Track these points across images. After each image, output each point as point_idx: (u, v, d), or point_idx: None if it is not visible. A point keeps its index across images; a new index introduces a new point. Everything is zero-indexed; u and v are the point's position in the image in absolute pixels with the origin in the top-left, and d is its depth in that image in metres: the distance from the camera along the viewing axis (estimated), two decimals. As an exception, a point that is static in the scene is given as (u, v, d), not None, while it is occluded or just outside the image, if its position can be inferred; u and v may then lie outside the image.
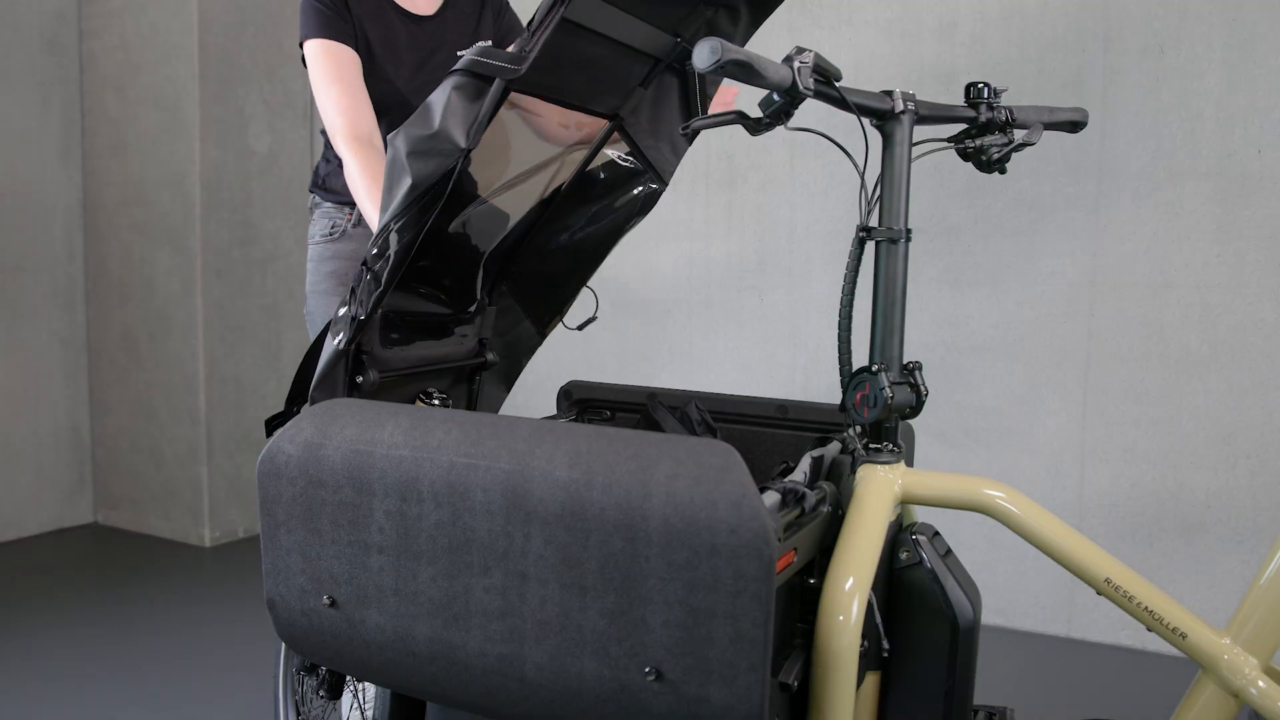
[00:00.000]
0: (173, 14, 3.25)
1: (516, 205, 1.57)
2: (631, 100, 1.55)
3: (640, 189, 1.66)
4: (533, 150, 1.57)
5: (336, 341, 1.22)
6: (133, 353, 3.47)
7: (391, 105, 1.79)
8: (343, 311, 1.23)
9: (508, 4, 1.86)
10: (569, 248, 1.65)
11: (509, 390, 1.70)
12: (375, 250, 1.19)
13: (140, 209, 3.40)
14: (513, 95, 1.34)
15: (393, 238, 1.18)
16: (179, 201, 3.30)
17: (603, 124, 1.58)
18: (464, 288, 1.54)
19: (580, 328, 1.67)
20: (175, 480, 3.42)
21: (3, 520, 3.36)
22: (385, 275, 1.19)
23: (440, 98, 1.19)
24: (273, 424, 1.37)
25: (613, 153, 1.63)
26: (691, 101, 1.59)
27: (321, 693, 1.64)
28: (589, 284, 1.71)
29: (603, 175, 1.66)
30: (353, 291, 1.22)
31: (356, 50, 1.69)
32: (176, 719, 2.10)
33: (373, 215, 1.45)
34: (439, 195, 1.19)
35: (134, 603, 2.79)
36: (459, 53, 1.78)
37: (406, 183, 1.16)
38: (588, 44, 1.35)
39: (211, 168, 3.29)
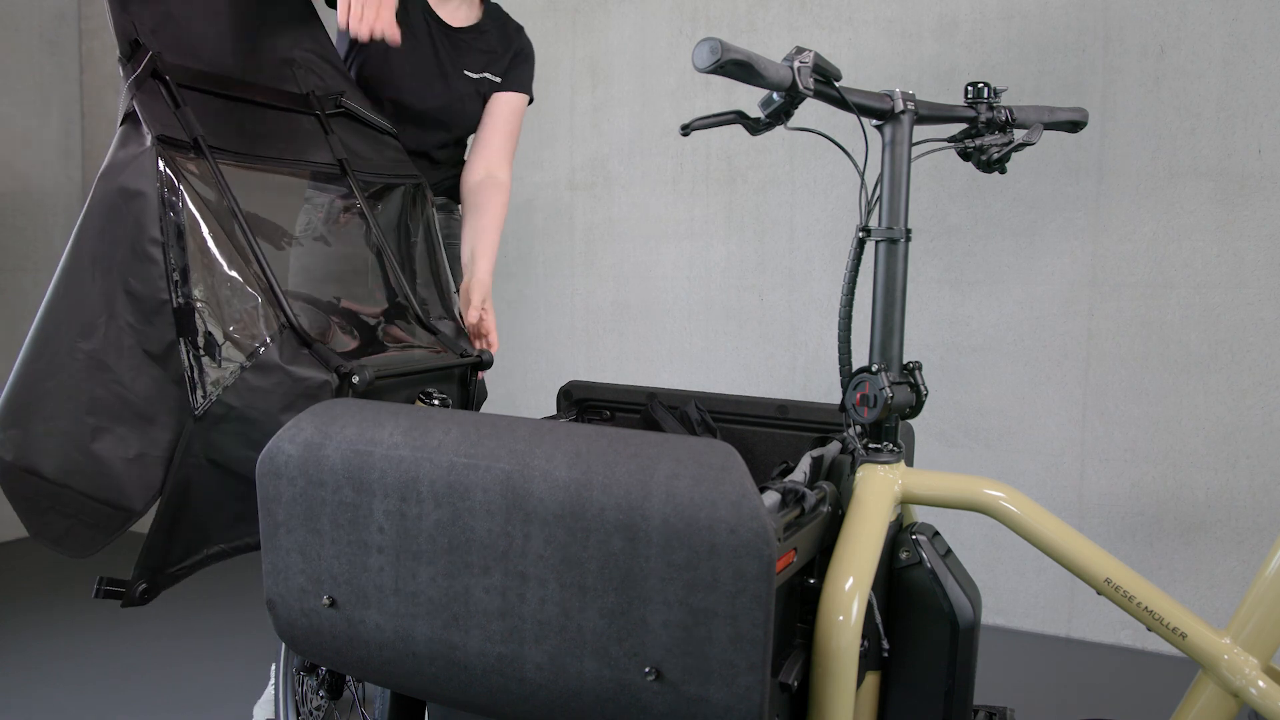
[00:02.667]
0: (173, 14, 3.25)
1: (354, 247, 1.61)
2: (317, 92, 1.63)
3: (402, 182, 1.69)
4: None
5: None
6: (133, 353, 3.46)
7: (407, 116, 1.82)
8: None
9: (529, 58, 1.91)
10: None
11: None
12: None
13: (140, 209, 3.40)
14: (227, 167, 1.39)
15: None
16: (179, 201, 3.30)
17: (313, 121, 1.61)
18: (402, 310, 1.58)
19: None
20: (175, 480, 3.42)
21: (3, 520, 3.35)
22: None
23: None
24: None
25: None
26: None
27: (321, 693, 1.64)
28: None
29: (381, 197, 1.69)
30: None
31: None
32: (176, 719, 2.10)
33: None
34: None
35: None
36: (466, 73, 1.82)
37: None
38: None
39: (211, 168, 3.28)
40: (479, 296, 1.68)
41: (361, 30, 1.45)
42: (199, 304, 1.29)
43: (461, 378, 1.57)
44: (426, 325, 1.60)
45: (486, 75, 1.84)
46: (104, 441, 1.29)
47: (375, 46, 1.76)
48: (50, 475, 1.26)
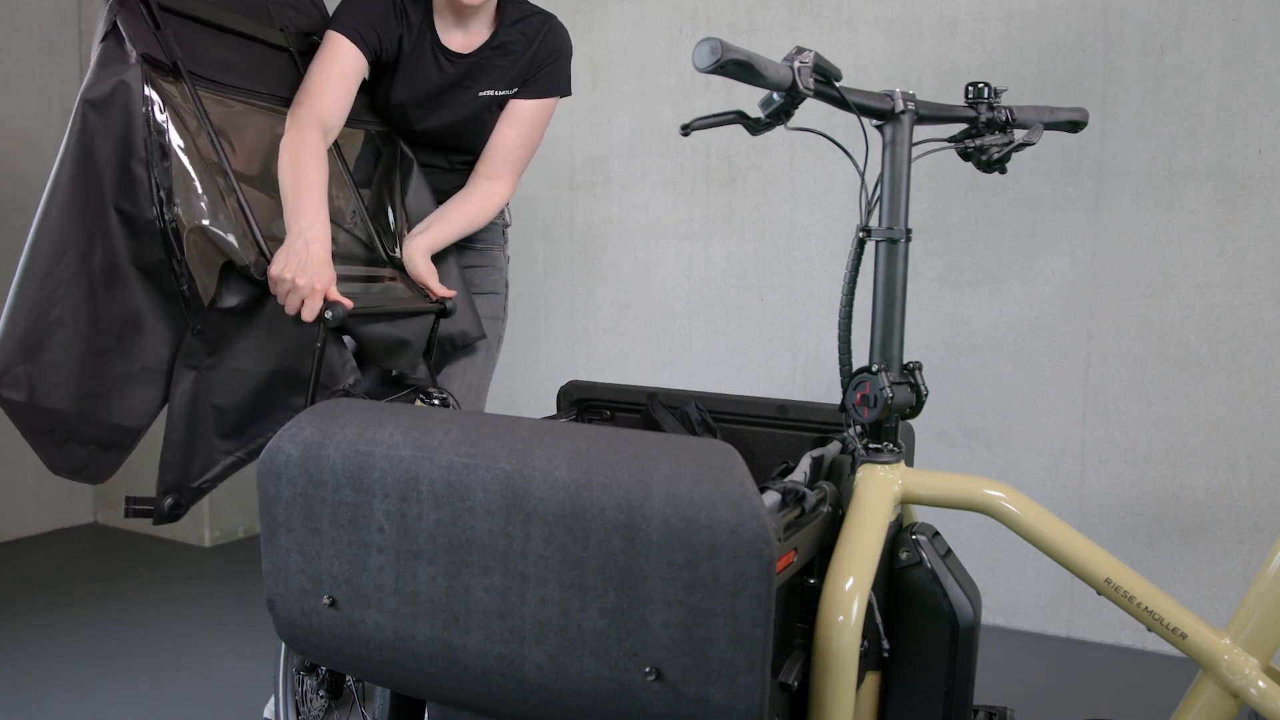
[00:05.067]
0: (173, 14, 3.25)
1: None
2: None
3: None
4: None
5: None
6: (133, 353, 3.46)
7: (405, 135, 1.82)
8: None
9: (557, 61, 1.79)
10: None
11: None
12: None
13: (140, 209, 3.40)
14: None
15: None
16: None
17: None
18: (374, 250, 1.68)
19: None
20: (175, 480, 3.42)
21: (3, 520, 3.36)
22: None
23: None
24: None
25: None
26: None
27: (321, 693, 1.64)
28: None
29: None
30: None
31: (375, 63, 1.71)
32: (176, 719, 2.10)
33: (285, 198, 1.46)
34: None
35: (134, 603, 2.79)
36: (481, 94, 1.77)
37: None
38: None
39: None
40: (417, 261, 1.68)
41: (289, 310, 1.39)
42: (181, 227, 1.33)
43: (429, 325, 1.64)
44: (393, 260, 1.67)
45: (497, 93, 1.78)
46: (110, 360, 1.32)
47: (382, 80, 1.77)
48: (65, 406, 1.27)
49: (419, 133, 1.80)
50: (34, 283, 1.26)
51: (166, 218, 1.32)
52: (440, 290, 1.66)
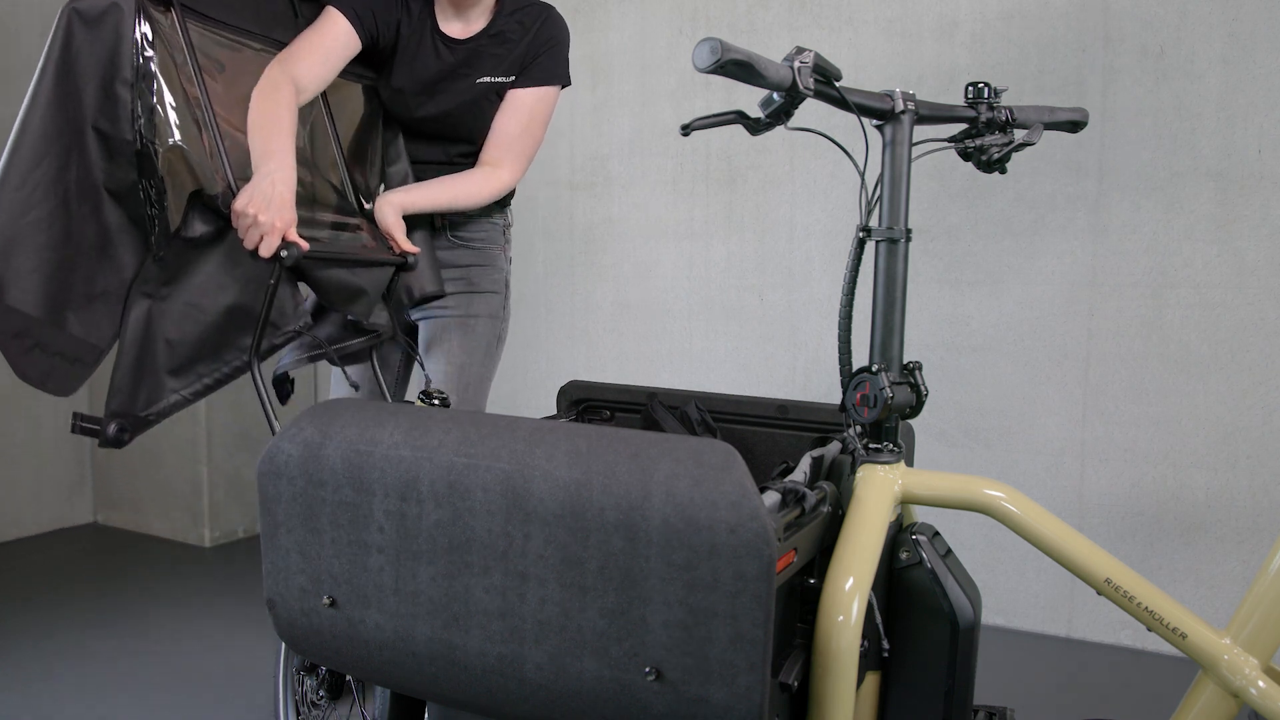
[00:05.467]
0: (173, 14, 3.26)
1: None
2: None
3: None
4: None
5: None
6: (133, 353, 3.47)
7: (404, 123, 1.83)
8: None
9: (553, 48, 1.81)
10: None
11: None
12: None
13: (140, 209, 3.40)
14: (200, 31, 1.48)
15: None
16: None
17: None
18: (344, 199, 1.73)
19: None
20: (175, 480, 3.42)
21: (3, 520, 3.36)
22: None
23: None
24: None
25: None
26: None
27: (321, 693, 1.64)
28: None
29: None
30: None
31: (372, 45, 1.74)
32: (176, 719, 2.10)
33: (253, 139, 1.49)
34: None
35: (134, 603, 2.79)
36: (479, 80, 1.78)
37: None
38: None
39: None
40: (387, 214, 1.71)
41: (248, 245, 1.41)
42: (158, 150, 1.36)
43: (388, 276, 1.68)
44: (364, 212, 1.72)
45: (496, 79, 1.80)
46: (78, 274, 1.35)
47: (383, 69, 1.79)
48: (33, 311, 1.30)
49: (418, 119, 1.81)
50: (12, 183, 1.28)
51: (145, 137, 1.35)
52: (404, 245, 1.69)
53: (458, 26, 1.78)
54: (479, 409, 1.87)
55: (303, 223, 1.52)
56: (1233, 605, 2.42)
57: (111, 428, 1.38)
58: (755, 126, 1.21)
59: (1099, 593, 1.13)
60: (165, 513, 3.46)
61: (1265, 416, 2.36)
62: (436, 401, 1.53)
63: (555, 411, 1.65)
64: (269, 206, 1.39)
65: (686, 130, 1.24)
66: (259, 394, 1.42)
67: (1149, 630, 1.14)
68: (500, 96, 1.81)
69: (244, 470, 3.48)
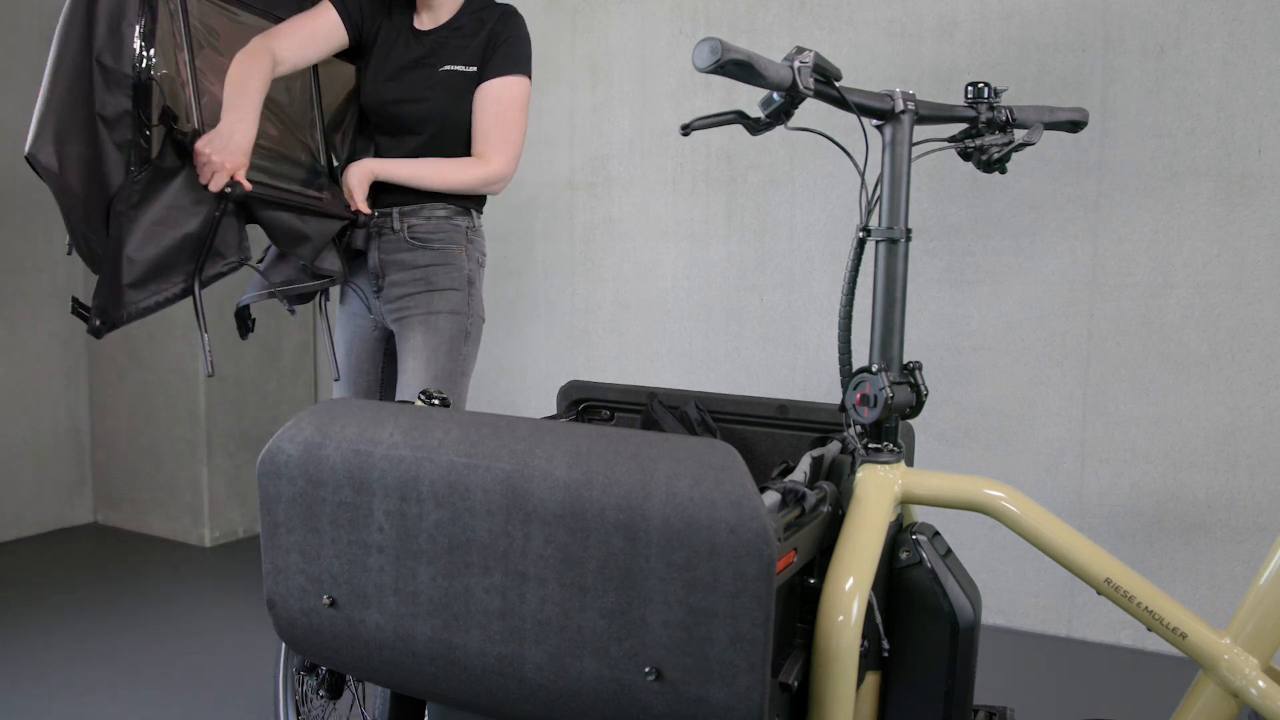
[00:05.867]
0: (173, 14, 3.26)
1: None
2: None
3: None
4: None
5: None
6: (133, 353, 3.47)
7: (373, 111, 1.96)
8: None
9: (510, 39, 1.92)
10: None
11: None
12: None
13: (140, 209, 3.41)
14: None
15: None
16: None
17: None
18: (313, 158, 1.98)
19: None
20: (175, 480, 3.42)
21: (3, 520, 3.36)
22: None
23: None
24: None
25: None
26: None
27: (321, 693, 1.64)
28: None
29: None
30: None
31: (356, 38, 1.93)
32: (176, 719, 2.10)
33: (225, 95, 1.72)
34: None
35: (134, 603, 2.79)
36: (442, 69, 1.90)
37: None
38: None
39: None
40: (353, 173, 1.90)
41: (201, 179, 1.66)
42: (154, 78, 1.64)
43: (334, 228, 1.90)
44: (331, 173, 1.96)
45: (457, 68, 1.90)
46: (94, 176, 1.61)
47: (363, 61, 1.97)
48: (79, 189, 1.57)
49: (386, 103, 1.93)
50: (63, 80, 1.54)
51: (147, 67, 1.62)
52: (359, 204, 1.89)
53: (426, 19, 1.94)
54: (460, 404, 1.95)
55: (261, 170, 1.80)
56: (1233, 605, 2.42)
57: (96, 322, 1.64)
58: (755, 126, 1.21)
59: (1099, 593, 1.13)
60: (165, 513, 3.46)
61: (1265, 416, 2.36)
62: (436, 402, 1.53)
63: (555, 411, 1.65)
64: (223, 149, 1.64)
65: (686, 130, 1.24)
66: (196, 312, 1.72)
67: (1149, 630, 1.14)
68: (462, 87, 1.91)
69: (244, 470, 3.48)
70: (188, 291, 1.71)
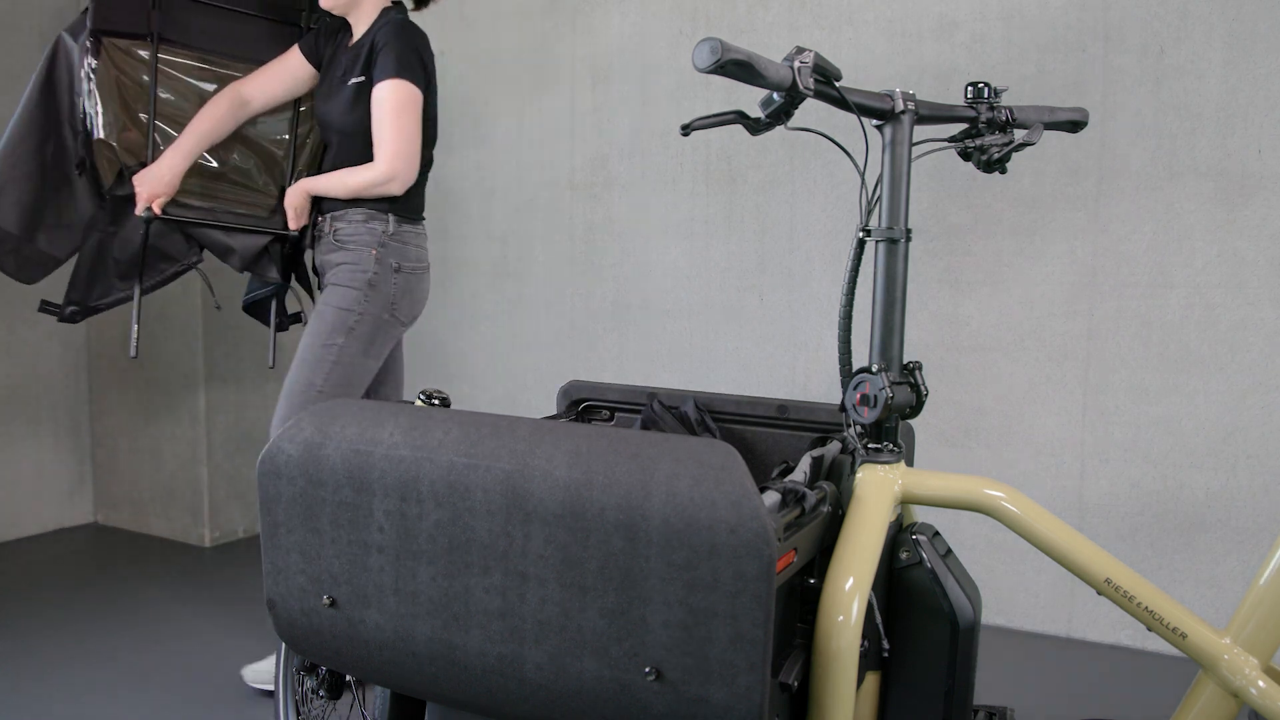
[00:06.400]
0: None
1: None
2: None
3: None
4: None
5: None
6: (133, 353, 3.47)
7: (322, 126, 2.20)
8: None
9: (386, 46, 2.05)
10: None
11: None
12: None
13: (140, 209, 3.42)
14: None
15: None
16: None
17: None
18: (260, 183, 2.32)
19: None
20: (175, 480, 3.42)
21: (3, 520, 3.36)
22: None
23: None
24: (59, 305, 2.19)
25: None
26: None
27: (321, 692, 1.64)
28: None
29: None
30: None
31: (318, 66, 2.20)
32: (176, 719, 2.10)
33: (181, 135, 2.14)
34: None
35: (134, 603, 2.79)
36: (346, 82, 2.08)
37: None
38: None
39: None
40: (290, 194, 2.16)
41: (141, 205, 2.09)
42: (92, 141, 2.11)
43: (277, 249, 2.30)
44: (278, 205, 2.30)
45: (350, 80, 2.08)
46: (48, 210, 2.13)
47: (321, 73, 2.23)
48: (14, 229, 2.09)
49: (318, 119, 2.18)
50: (3, 151, 2.08)
51: (87, 130, 2.11)
52: (291, 221, 2.17)
53: (351, 38, 2.15)
54: (314, 384, 2.09)
55: (196, 192, 2.20)
56: (1233, 605, 2.42)
57: (69, 310, 2.17)
58: (755, 126, 1.21)
59: (1099, 593, 1.13)
60: (165, 513, 3.46)
61: (1265, 416, 2.36)
62: (436, 401, 1.53)
63: (555, 411, 1.65)
64: (149, 183, 2.08)
65: (686, 130, 1.24)
66: (135, 306, 2.21)
67: (1149, 630, 1.14)
68: (352, 97, 2.08)
69: (244, 470, 3.48)
70: (159, 284, 2.26)
